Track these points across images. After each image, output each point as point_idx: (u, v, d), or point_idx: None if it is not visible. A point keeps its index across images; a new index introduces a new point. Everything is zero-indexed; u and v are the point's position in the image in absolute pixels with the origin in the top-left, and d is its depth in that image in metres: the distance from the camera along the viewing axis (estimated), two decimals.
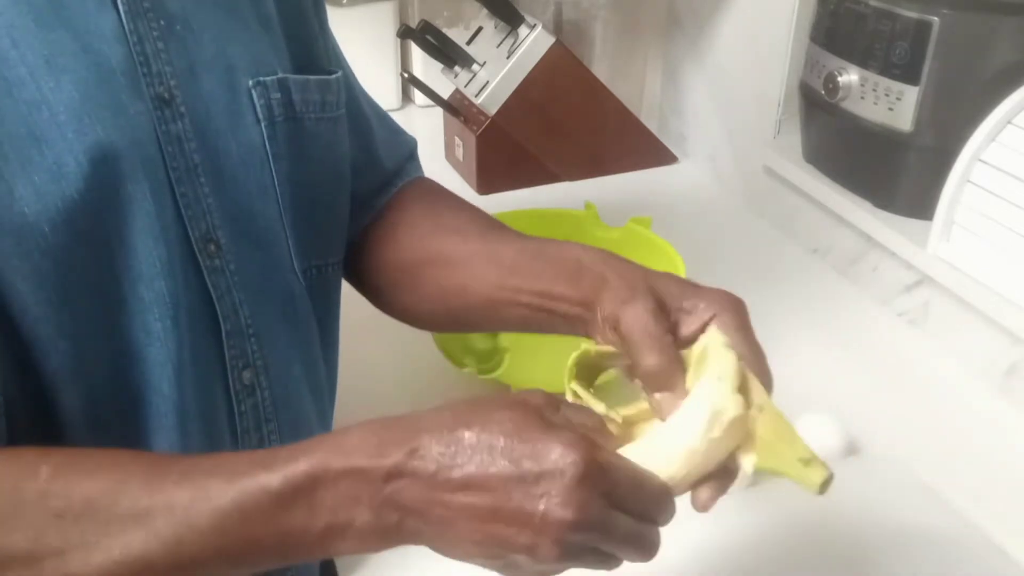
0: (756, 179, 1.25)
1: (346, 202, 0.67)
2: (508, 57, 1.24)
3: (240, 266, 0.56)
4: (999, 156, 0.88)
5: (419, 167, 0.78)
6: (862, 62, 0.99)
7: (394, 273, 0.70)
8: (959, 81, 0.94)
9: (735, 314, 0.55)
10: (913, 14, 0.93)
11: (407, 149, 0.77)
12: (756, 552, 0.73)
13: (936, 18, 0.92)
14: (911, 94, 0.95)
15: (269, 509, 0.44)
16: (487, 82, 1.24)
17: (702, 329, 0.54)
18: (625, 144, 1.36)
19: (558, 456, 0.43)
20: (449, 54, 1.26)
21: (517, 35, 1.24)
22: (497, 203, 1.25)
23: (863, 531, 0.75)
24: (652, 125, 1.44)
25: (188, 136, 0.53)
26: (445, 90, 1.32)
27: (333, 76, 0.64)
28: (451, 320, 0.71)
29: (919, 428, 0.87)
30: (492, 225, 0.70)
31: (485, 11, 1.26)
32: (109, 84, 0.49)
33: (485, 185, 1.30)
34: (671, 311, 0.55)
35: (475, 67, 1.26)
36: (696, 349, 0.53)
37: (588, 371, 0.57)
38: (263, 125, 0.57)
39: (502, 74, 1.23)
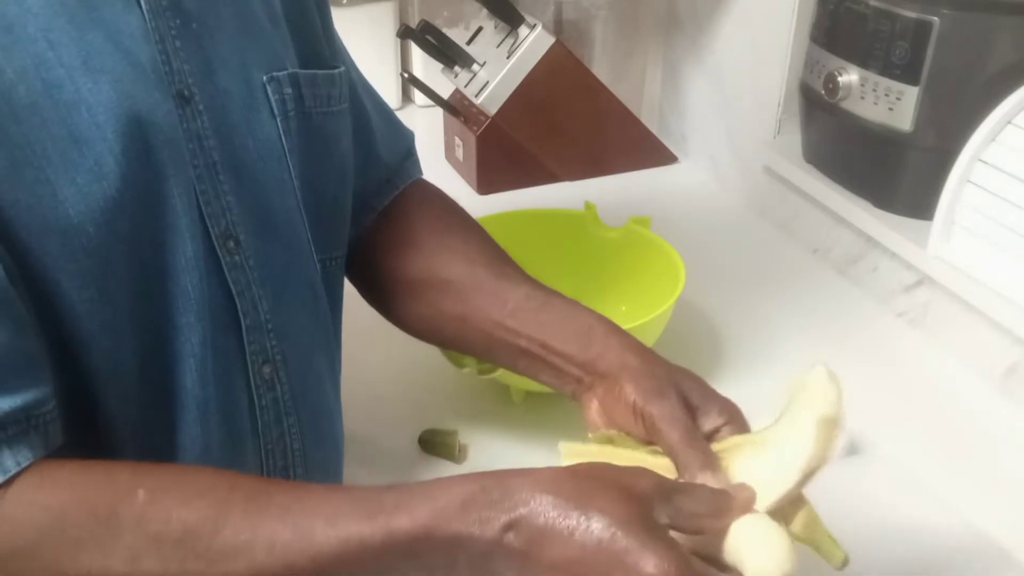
0: (756, 179, 1.25)
1: (349, 197, 0.68)
2: (508, 57, 1.24)
3: (260, 261, 0.57)
4: (999, 156, 0.88)
5: (418, 165, 0.78)
6: (862, 62, 0.99)
7: (395, 285, 0.71)
8: (959, 81, 0.94)
9: (742, 423, 0.59)
10: (913, 14, 0.93)
11: (406, 144, 0.77)
12: None
13: (936, 18, 0.92)
14: (911, 94, 0.95)
15: (369, 557, 0.46)
16: (487, 82, 1.24)
17: (714, 433, 0.58)
18: (625, 144, 1.36)
19: (650, 570, 0.43)
20: (449, 54, 1.26)
21: (517, 35, 1.24)
22: (497, 203, 1.25)
23: (863, 531, 0.75)
24: (652, 125, 1.44)
25: (207, 133, 0.54)
26: (445, 90, 1.32)
27: (337, 71, 0.64)
28: (444, 342, 0.74)
29: (919, 428, 0.87)
30: (499, 257, 0.71)
31: (485, 11, 1.26)
32: (143, 83, 0.50)
33: (485, 185, 1.30)
34: (691, 410, 0.58)
35: (475, 67, 1.26)
36: (795, 383, 0.57)
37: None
38: (278, 120, 0.58)
39: (502, 74, 1.23)
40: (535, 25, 1.23)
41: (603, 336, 0.63)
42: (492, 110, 1.25)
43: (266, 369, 0.58)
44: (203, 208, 0.54)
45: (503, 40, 1.26)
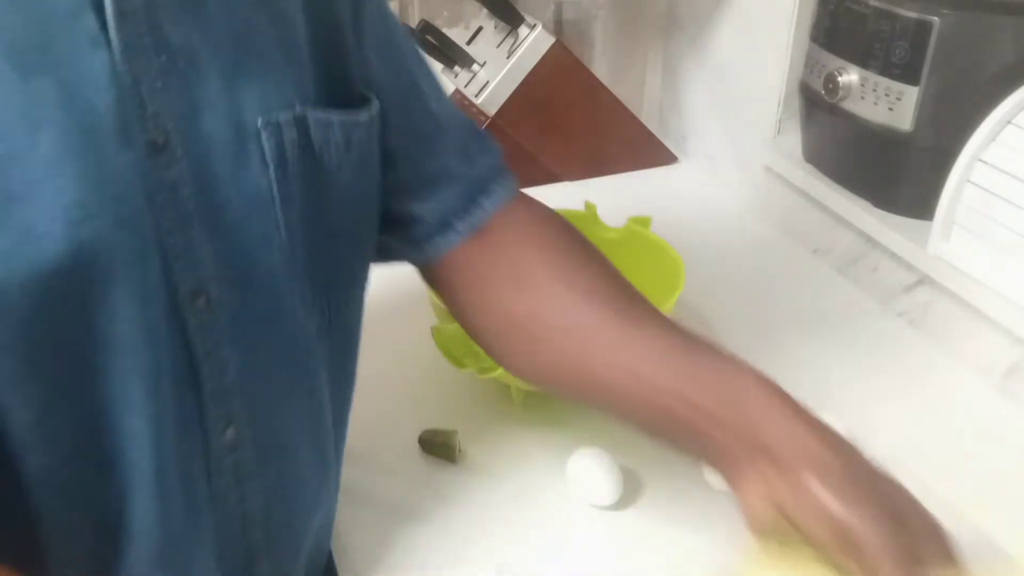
0: (756, 179, 1.25)
1: (371, 233, 0.62)
2: (508, 57, 1.24)
3: (235, 318, 0.52)
4: (999, 156, 0.87)
5: (509, 183, 0.68)
6: (862, 62, 0.99)
7: (500, 324, 0.64)
8: (959, 81, 0.94)
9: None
10: (913, 14, 0.93)
11: (490, 160, 0.67)
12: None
13: (936, 18, 0.92)
14: (911, 94, 0.95)
15: None
16: (487, 82, 1.24)
17: None
18: (625, 144, 1.36)
19: None
20: (449, 54, 1.26)
21: (517, 35, 1.24)
22: None
23: None
24: (652, 125, 1.44)
25: (184, 181, 0.48)
26: (445, 90, 1.32)
27: (363, 111, 0.58)
28: (563, 393, 0.66)
29: (919, 428, 0.87)
30: (628, 295, 0.62)
31: (485, 11, 1.26)
32: (94, 135, 0.45)
33: None
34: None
35: (475, 67, 1.26)
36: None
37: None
38: (272, 168, 0.52)
39: (502, 74, 1.23)
40: (535, 25, 1.23)
41: (764, 398, 0.53)
42: (492, 110, 1.25)
43: (229, 432, 0.53)
44: (172, 264, 0.48)
45: (503, 40, 1.26)
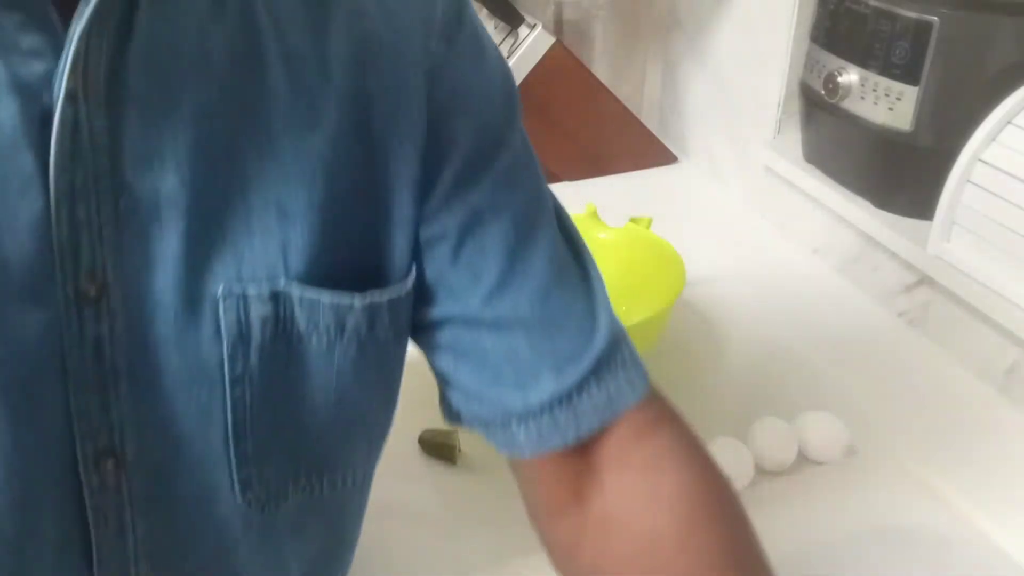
0: (756, 179, 1.25)
1: (387, 418, 0.56)
2: (508, 57, 1.24)
3: (153, 484, 0.46)
4: (999, 156, 0.88)
5: (615, 387, 0.51)
6: (862, 62, 0.99)
7: (586, 553, 0.53)
8: (959, 81, 0.94)
9: None
10: (913, 14, 0.93)
11: (583, 360, 0.50)
12: None
13: (936, 18, 0.92)
14: (911, 94, 0.95)
15: None
16: None
17: None
18: (625, 144, 1.36)
19: None
20: None
21: (517, 35, 1.24)
22: None
23: (863, 531, 0.75)
24: (652, 125, 1.44)
25: (115, 339, 0.42)
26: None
27: (367, 294, 0.47)
28: None
29: (919, 428, 0.87)
30: (708, 494, 0.52)
31: (485, 11, 1.26)
32: (4, 288, 0.39)
33: None
34: None
35: None
36: None
37: None
38: (225, 343, 0.44)
39: None
40: (535, 25, 1.23)
41: None
42: None
43: None
44: (74, 425, 0.42)
45: (503, 40, 1.26)
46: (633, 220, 1.02)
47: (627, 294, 0.99)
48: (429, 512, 0.77)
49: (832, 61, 1.03)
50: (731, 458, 0.78)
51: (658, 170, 1.39)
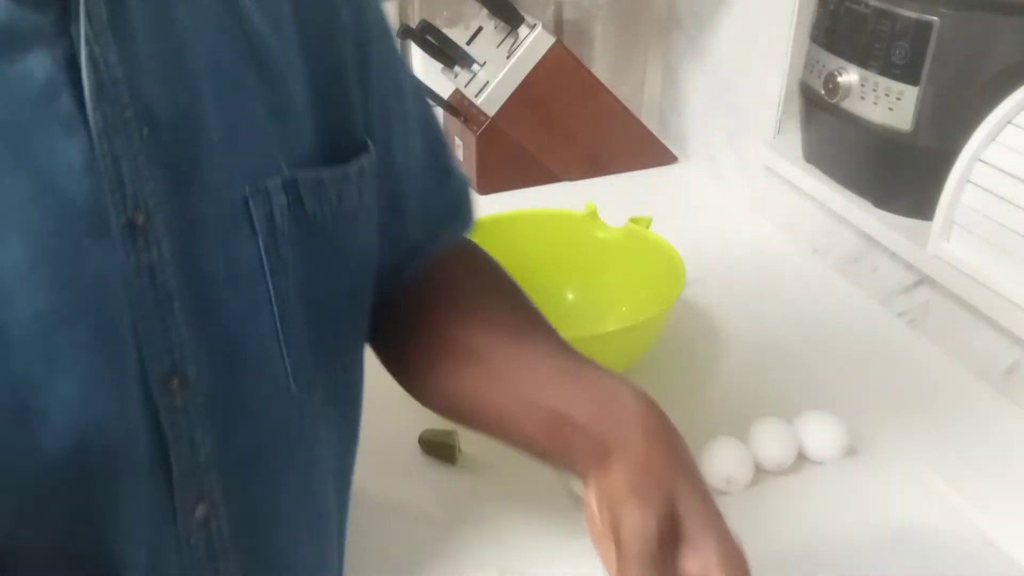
0: (756, 179, 1.25)
1: (368, 290, 0.60)
2: (508, 57, 1.24)
3: (214, 397, 0.49)
4: (999, 156, 0.88)
5: (460, 225, 0.68)
6: (862, 62, 0.99)
7: (411, 356, 0.65)
8: (959, 81, 0.94)
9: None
10: (913, 14, 0.93)
11: (447, 204, 0.67)
12: (756, 551, 0.73)
13: (936, 18, 0.92)
14: (911, 94, 0.95)
15: None
16: (487, 82, 1.24)
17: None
18: (625, 144, 1.36)
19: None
20: (449, 54, 1.26)
21: (517, 35, 1.24)
22: (497, 203, 1.24)
23: (863, 531, 0.75)
24: (652, 125, 1.44)
25: (163, 262, 0.45)
26: (445, 90, 1.32)
27: (354, 163, 0.54)
28: (462, 418, 0.65)
29: (919, 428, 0.87)
30: (529, 324, 0.63)
31: (485, 11, 1.27)
32: (68, 232, 0.41)
33: (485, 185, 1.30)
34: (673, 535, 0.49)
35: (475, 67, 1.26)
36: None
37: None
38: (260, 238, 0.49)
39: (502, 74, 1.23)
40: (535, 25, 1.23)
41: (624, 405, 0.54)
42: (492, 110, 1.25)
43: (200, 509, 0.50)
44: (143, 350, 0.45)
45: (503, 40, 1.26)
46: (633, 220, 1.02)
47: (627, 294, 0.99)
48: (429, 512, 0.77)
49: (832, 61, 1.03)
50: (731, 458, 0.78)
51: (658, 170, 1.39)
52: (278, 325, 0.51)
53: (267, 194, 0.49)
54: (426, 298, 0.64)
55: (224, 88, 0.47)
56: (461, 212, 0.68)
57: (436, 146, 0.65)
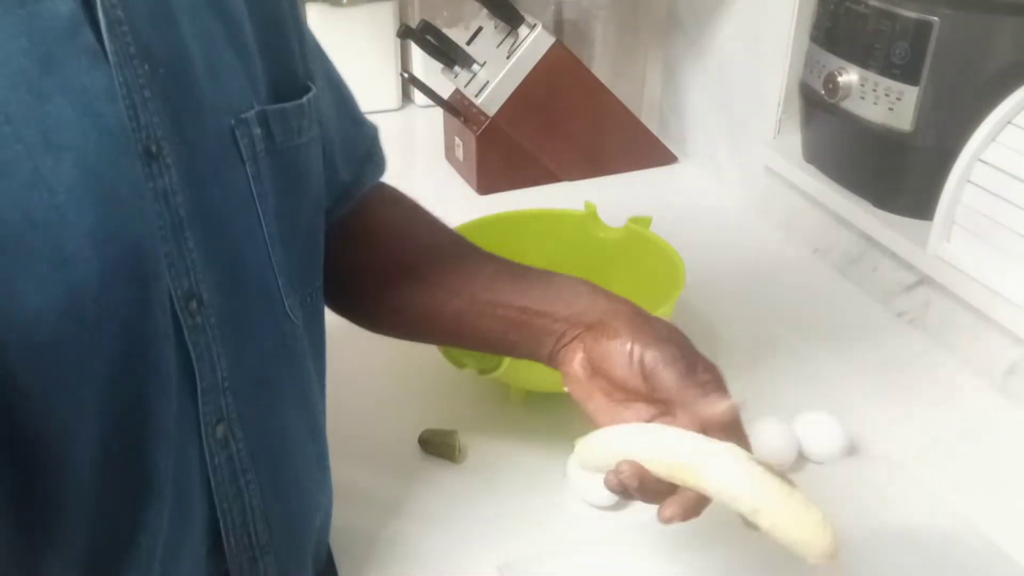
0: (756, 179, 1.25)
1: (323, 221, 0.65)
2: (508, 57, 1.24)
3: (223, 319, 0.53)
4: (999, 156, 0.88)
5: (377, 167, 0.74)
6: (862, 62, 0.99)
7: (357, 283, 0.70)
8: (959, 81, 0.94)
9: (723, 385, 0.59)
10: (913, 14, 0.93)
11: (365, 147, 0.73)
12: (755, 550, 0.73)
13: (936, 18, 0.92)
14: (911, 94, 0.95)
15: None
16: (487, 82, 1.24)
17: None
18: (625, 144, 1.36)
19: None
20: (449, 54, 1.26)
21: (517, 35, 1.24)
22: (497, 203, 1.25)
23: (863, 531, 0.75)
24: (652, 125, 1.44)
25: (174, 189, 0.49)
26: (445, 90, 1.32)
27: (305, 98, 0.60)
28: (416, 334, 0.73)
29: (919, 428, 0.87)
30: (464, 241, 0.71)
31: (485, 11, 1.27)
32: (110, 150, 0.45)
33: (485, 185, 1.30)
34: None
35: (475, 67, 1.26)
36: None
37: None
38: (247, 165, 0.54)
39: (502, 74, 1.23)
40: (535, 25, 1.23)
41: (589, 293, 0.63)
42: (492, 110, 1.25)
43: (220, 428, 0.54)
44: (167, 270, 0.49)
45: (503, 40, 1.26)
46: (633, 220, 1.02)
47: (627, 294, 0.99)
48: (429, 512, 0.77)
49: (832, 61, 1.03)
50: None
51: (658, 170, 1.39)
52: (269, 249, 0.56)
53: (247, 124, 0.54)
54: (364, 229, 0.71)
55: (200, 32, 0.51)
56: (375, 155, 0.74)
57: (347, 96, 0.72)
